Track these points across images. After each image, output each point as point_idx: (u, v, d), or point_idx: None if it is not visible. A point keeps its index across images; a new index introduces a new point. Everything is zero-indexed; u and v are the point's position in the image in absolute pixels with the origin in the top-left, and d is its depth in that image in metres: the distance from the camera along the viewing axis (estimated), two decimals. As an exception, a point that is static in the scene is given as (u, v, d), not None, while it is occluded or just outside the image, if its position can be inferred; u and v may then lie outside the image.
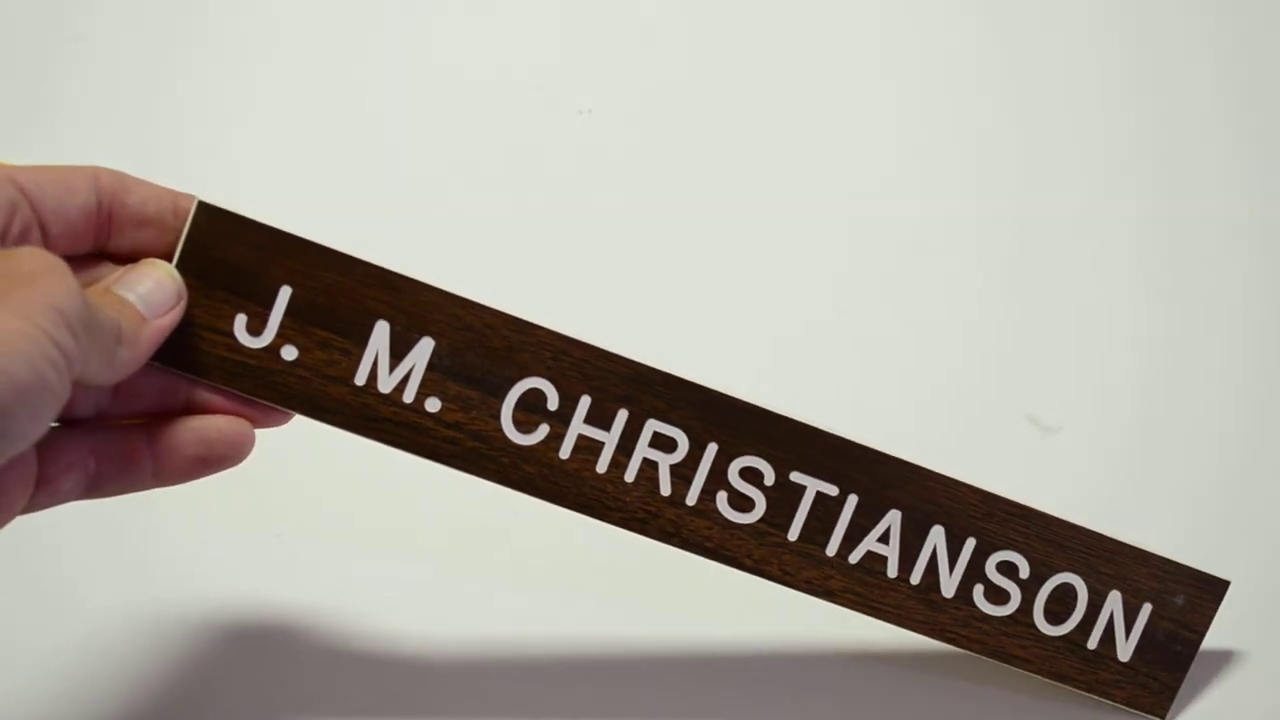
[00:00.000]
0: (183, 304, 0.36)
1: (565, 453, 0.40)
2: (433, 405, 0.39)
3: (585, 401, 0.40)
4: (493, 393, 0.39)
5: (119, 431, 0.36)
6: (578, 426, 0.40)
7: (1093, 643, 0.45)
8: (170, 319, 0.35)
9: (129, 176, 0.35)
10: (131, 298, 0.34)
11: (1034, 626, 0.45)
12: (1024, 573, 0.44)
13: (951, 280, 0.59)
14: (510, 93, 0.61)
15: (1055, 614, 0.45)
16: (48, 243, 0.33)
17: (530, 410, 0.40)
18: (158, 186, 0.36)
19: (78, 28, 0.61)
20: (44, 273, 0.30)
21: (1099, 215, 0.60)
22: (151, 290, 0.35)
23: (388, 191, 0.59)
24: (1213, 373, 0.57)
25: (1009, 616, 0.44)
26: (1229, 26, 0.63)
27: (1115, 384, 0.56)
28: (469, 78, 0.62)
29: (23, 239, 0.33)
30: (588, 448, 0.40)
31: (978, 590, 0.44)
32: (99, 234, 0.35)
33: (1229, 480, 0.55)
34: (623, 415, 0.40)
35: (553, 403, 0.40)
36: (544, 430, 0.40)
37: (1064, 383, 0.57)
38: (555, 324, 0.40)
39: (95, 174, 0.34)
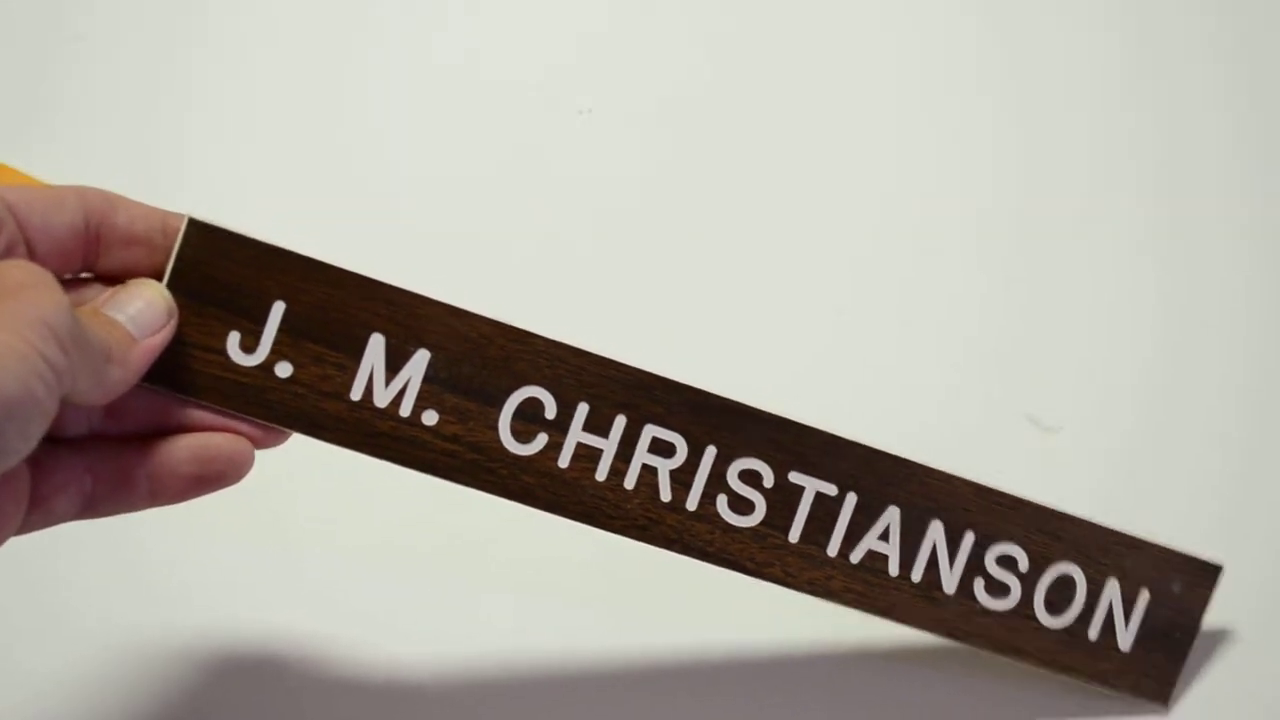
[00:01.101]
0: (173, 323, 0.35)
1: (564, 461, 0.40)
2: (430, 418, 0.39)
3: (583, 409, 0.40)
4: (490, 403, 0.39)
5: (114, 450, 0.35)
6: (576, 434, 0.40)
7: (1093, 633, 0.45)
8: (160, 338, 0.35)
9: (117, 195, 0.35)
10: (121, 318, 0.34)
11: (1035, 619, 0.45)
12: (1023, 565, 0.44)
13: (952, 280, 0.58)
14: (508, 93, 0.61)
15: (1055, 605, 0.45)
16: (35, 261, 0.33)
17: (528, 419, 0.39)
18: (146, 205, 0.35)
19: (78, 28, 0.60)
20: (31, 286, 0.29)
21: (1099, 215, 0.60)
22: (142, 310, 0.34)
23: (383, 192, 0.59)
24: (1213, 372, 0.56)
25: (1011, 610, 0.44)
26: (1229, 26, 0.62)
27: (1115, 384, 0.56)
28: (467, 79, 0.62)
29: (8, 257, 0.32)
30: (587, 455, 0.40)
31: (978, 584, 0.44)
32: (87, 253, 0.34)
33: (1229, 480, 0.54)
34: (621, 421, 0.40)
35: (550, 411, 0.40)
36: (542, 439, 0.40)
37: (1064, 383, 0.56)
38: (549, 330, 0.39)
39: (82, 192, 0.34)
